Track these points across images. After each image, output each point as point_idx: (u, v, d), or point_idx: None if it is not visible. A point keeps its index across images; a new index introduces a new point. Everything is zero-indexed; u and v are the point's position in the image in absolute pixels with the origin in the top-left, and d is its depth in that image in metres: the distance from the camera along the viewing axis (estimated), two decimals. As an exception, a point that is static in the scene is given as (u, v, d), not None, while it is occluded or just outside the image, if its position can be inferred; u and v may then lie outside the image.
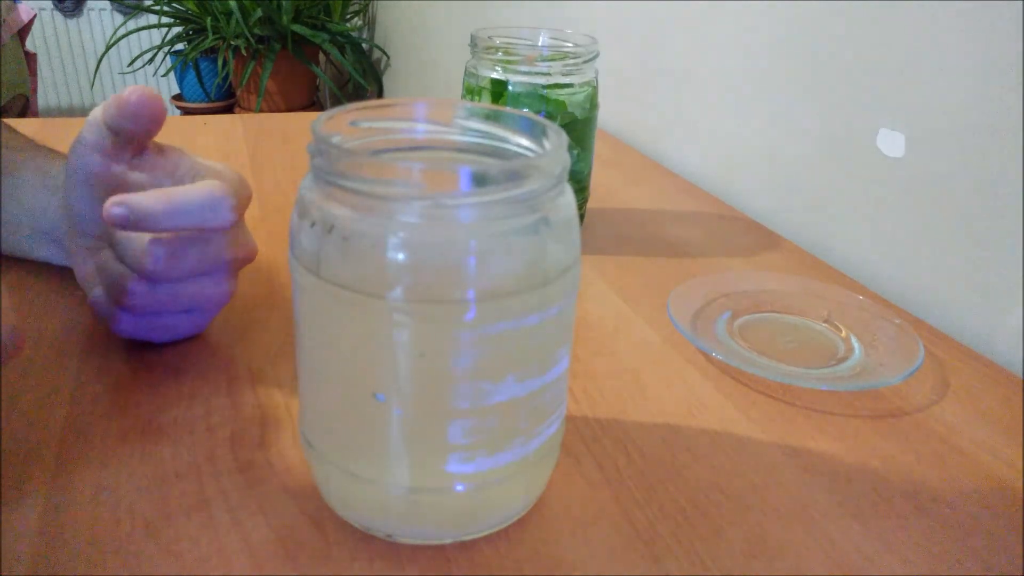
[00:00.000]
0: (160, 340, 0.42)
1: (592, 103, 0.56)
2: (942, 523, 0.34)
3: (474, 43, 0.55)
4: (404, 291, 0.26)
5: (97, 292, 0.41)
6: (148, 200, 0.37)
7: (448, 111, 0.32)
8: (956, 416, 0.41)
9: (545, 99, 0.54)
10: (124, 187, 0.41)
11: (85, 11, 2.92)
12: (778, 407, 0.41)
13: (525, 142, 0.30)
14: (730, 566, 0.31)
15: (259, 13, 2.33)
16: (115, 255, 0.39)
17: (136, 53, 2.68)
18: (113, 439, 0.36)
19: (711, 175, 0.78)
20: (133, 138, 0.40)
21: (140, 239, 0.38)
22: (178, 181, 0.41)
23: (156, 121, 0.39)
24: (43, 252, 0.49)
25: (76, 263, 0.44)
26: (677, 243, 0.61)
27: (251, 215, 0.61)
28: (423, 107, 0.32)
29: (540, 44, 0.58)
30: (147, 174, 0.41)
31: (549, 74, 0.54)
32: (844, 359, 0.45)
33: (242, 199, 0.40)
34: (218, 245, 0.40)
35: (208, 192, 0.38)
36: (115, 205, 0.36)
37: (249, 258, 0.43)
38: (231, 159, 0.74)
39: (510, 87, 0.54)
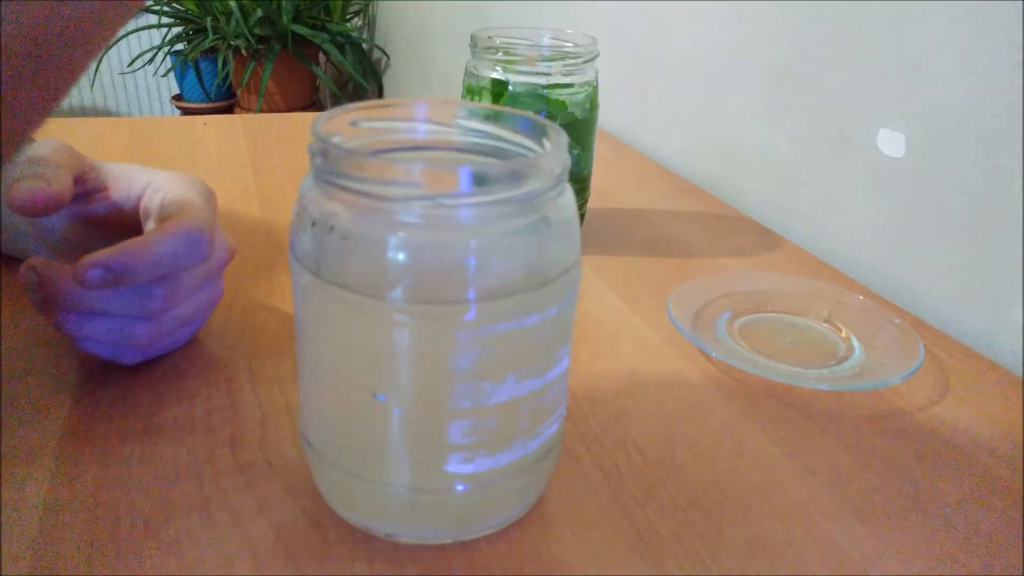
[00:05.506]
0: (164, 352, 0.42)
1: (592, 103, 0.56)
2: (942, 523, 0.34)
3: (474, 43, 0.55)
4: (404, 291, 0.26)
5: (91, 344, 0.39)
6: (125, 256, 0.35)
7: (448, 111, 0.32)
8: (956, 416, 0.41)
9: (545, 99, 0.54)
10: (85, 226, 0.42)
11: (85, 11, 2.91)
12: (778, 407, 0.41)
13: (525, 142, 0.30)
14: (730, 566, 0.31)
15: (259, 13, 2.33)
16: (106, 306, 0.37)
17: (136, 53, 2.68)
18: (113, 439, 0.36)
19: (711, 175, 0.78)
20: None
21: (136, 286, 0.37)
22: (136, 203, 0.42)
23: (47, 212, 0.36)
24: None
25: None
26: (677, 243, 0.61)
27: (251, 215, 0.61)
28: (423, 107, 0.32)
29: (540, 44, 0.58)
30: (102, 204, 0.42)
31: (549, 74, 0.54)
32: (844, 359, 0.45)
33: (212, 215, 0.40)
34: (208, 260, 0.40)
35: (184, 234, 0.37)
36: (91, 268, 0.34)
37: (232, 256, 0.43)
38: (231, 159, 0.74)
39: (510, 87, 0.54)
